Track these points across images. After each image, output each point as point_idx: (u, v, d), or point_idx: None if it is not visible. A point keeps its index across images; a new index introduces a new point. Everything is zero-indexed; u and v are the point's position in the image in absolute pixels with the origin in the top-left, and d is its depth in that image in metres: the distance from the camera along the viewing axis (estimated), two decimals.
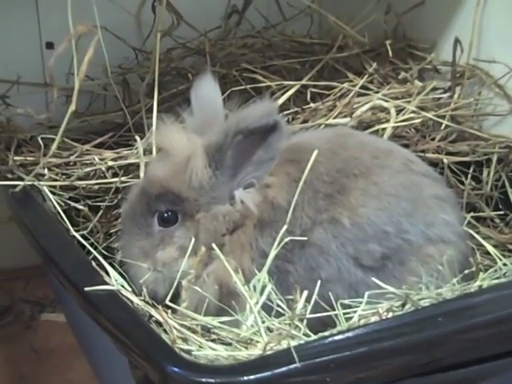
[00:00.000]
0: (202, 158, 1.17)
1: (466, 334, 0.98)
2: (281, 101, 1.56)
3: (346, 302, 1.12)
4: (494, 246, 1.31)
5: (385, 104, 1.55)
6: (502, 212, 1.53)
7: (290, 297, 1.08)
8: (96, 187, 1.43)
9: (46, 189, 1.34)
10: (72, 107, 1.19)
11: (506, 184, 1.54)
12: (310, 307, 1.07)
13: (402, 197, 1.20)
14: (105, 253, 1.27)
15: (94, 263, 1.13)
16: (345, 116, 1.53)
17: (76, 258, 1.15)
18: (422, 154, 1.49)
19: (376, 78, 1.68)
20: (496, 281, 1.16)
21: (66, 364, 1.59)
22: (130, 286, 1.11)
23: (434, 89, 1.67)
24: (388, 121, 1.53)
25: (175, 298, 1.11)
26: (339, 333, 0.95)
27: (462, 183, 1.56)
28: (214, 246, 1.14)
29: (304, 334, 1.04)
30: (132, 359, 0.96)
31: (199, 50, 1.75)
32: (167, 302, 1.08)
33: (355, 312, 1.08)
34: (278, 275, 1.15)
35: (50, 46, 1.71)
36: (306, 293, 1.07)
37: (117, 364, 1.04)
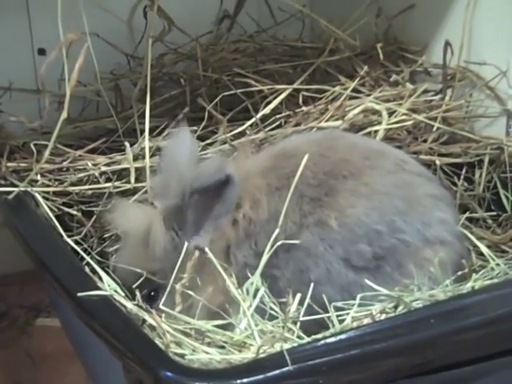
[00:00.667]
0: (160, 226, 1.19)
1: (459, 335, 0.98)
2: (273, 105, 1.57)
3: (339, 304, 1.12)
4: (488, 247, 1.32)
5: (376, 106, 1.56)
6: (494, 213, 1.53)
7: (283, 300, 1.09)
8: (89, 192, 1.43)
9: (38, 195, 1.34)
10: (64, 114, 1.19)
11: (498, 185, 1.54)
12: (303, 310, 1.07)
13: (395, 195, 1.20)
14: (98, 258, 1.28)
15: (87, 268, 1.13)
16: (337, 119, 1.54)
17: (69, 264, 1.15)
18: (415, 156, 1.49)
19: (367, 80, 1.68)
20: (488, 282, 1.17)
21: (61, 369, 1.59)
22: (123, 291, 1.11)
23: (426, 91, 1.67)
24: (380, 123, 1.53)
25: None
26: (332, 335, 0.96)
27: (455, 185, 1.56)
28: (206, 249, 1.15)
29: (298, 337, 1.04)
30: (126, 364, 0.96)
31: (191, 55, 1.76)
32: (161, 306, 1.09)
33: (348, 314, 1.08)
34: (266, 282, 1.14)
35: (41, 52, 1.71)
36: (299, 295, 1.07)
37: (111, 369, 1.04)
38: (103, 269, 1.16)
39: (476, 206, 1.55)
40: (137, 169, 1.42)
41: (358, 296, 1.10)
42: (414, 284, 1.16)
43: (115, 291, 1.07)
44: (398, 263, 1.18)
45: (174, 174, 1.21)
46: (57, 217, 1.31)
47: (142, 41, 1.70)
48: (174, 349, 1.00)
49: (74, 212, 1.41)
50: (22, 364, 1.61)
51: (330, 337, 0.95)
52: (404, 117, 1.55)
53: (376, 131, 1.52)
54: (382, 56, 1.72)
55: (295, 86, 1.62)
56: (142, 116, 1.47)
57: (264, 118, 1.55)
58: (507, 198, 1.53)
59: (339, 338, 0.94)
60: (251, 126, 1.52)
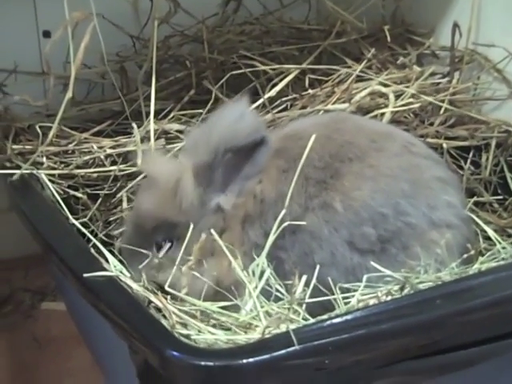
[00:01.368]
0: (190, 180, 1.19)
1: (464, 316, 0.98)
2: (279, 87, 1.56)
3: (345, 285, 1.12)
4: (494, 231, 1.31)
5: (383, 89, 1.55)
6: (500, 197, 1.52)
7: (289, 282, 1.08)
8: (95, 175, 1.43)
9: (44, 177, 1.34)
10: (69, 94, 1.19)
11: (505, 169, 1.53)
12: (309, 291, 1.07)
13: (401, 178, 1.19)
14: (104, 239, 1.28)
15: (93, 250, 1.13)
16: (343, 102, 1.53)
17: (75, 246, 1.15)
18: (422, 139, 1.48)
19: (374, 63, 1.67)
20: (495, 264, 1.16)
21: (66, 352, 1.60)
22: (130, 273, 1.11)
23: (433, 74, 1.66)
24: (387, 106, 1.52)
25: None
26: (337, 316, 0.95)
27: (461, 168, 1.55)
28: (212, 231, 1.15)
29: (303, 319, 1.04)
30: (131, 344, 0.96)
31: (197, 38, 1.75)
32: (166, 287, 1.09)
33: (353, 296, 1.08)
34: (272, 263, 1.14)
35: (46, 34, 1.70)
36: (304, 277, 1.07)
37: (117, 350, 1.04)
38: (109, 251, 1.16)
39: (482, 189, 1.54)
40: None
41: (365, 277, 1.10)
42: (421, 266, 1.15)
43: (121, 272, 1.07)
44: (404, 245, 1.17)
45: (210, 132, 1.20)
46: (62, 199, 1.30)
47: (148, 23, 1.69)
48: (180, 330, 1.00)
49: (80, 195, 1.41)
50: (27, 347, 1.61)
51: (336, 317, 0.95)
52: (411, 99, 1.54)
53: (382, 114, 1.51)
54: (389, 38, 1.71)
55: (302, 66, 1.61)
56: (148, 98, 1.46)
57: (270, 101, 1.54)
58: None
59: (345, 318, 0.94)
60: (258, 107, 1.51)
